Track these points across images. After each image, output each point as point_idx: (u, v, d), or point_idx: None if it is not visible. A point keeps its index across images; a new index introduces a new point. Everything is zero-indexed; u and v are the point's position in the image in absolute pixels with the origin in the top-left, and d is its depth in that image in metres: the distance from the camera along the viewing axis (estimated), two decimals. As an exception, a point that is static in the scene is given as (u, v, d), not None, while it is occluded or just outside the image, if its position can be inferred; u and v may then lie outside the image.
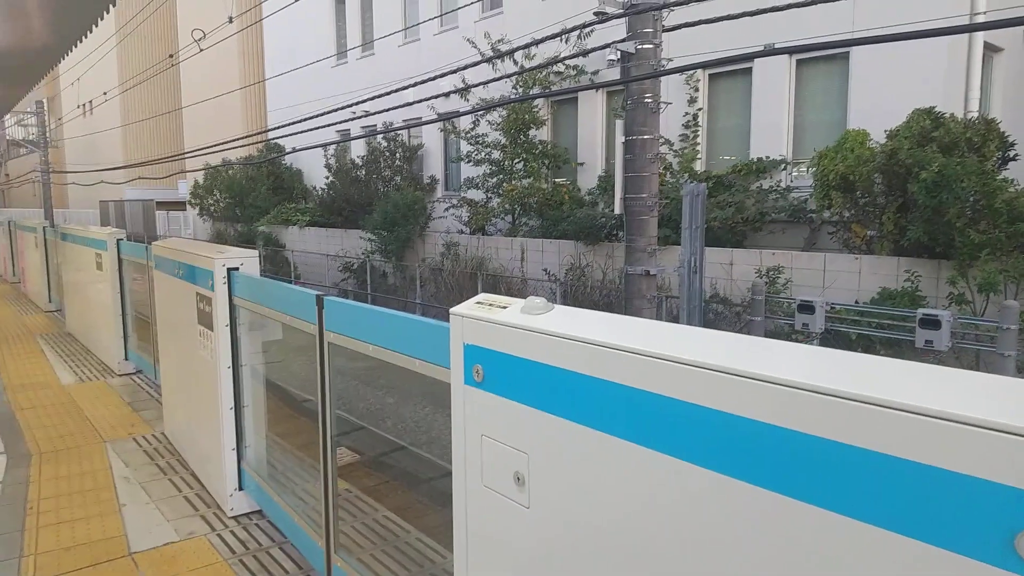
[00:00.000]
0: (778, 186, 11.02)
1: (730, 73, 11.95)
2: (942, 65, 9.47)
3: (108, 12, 6.14)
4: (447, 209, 16.70)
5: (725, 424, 1.25)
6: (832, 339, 8.41)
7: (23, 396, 5.98)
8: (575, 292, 12.47)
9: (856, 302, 8.94)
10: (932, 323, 7.37)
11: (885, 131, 8.94)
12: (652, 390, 1.38)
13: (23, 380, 6.53)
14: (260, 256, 4.32)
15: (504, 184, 14.75)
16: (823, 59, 10.80)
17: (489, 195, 15.37)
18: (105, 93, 24.33)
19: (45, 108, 21.68)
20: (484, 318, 1.81)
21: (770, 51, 6.30)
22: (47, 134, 21.63)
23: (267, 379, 3.97)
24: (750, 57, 9.74)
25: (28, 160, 35.04)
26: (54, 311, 10.44)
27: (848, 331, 8.47)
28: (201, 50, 13.79)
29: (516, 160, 14.64)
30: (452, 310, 1.92)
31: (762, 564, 1.22)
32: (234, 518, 3.70)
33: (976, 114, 9.37)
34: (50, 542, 3.43)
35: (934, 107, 8.66)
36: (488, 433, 1.81)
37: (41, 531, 3.55)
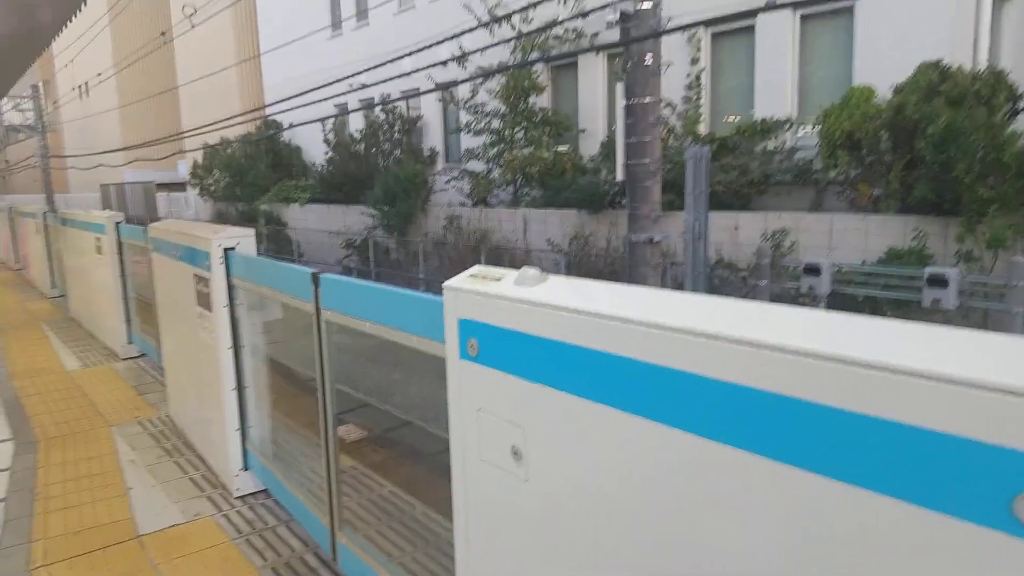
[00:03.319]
0: (783, 147, 10.85)
1: (733, 31, 11.71)
2: (949, 15, 9.23)
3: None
4: (448, 181, 16.57)
5: (727, 394, 1.22)
6: (838, 301, 8.34)
7: (29, 382, 5.99)
8: (579, 262, 12.40)
9: (863, 262, 8.84)
10: (939, 282, 7.29)
11: (891, 86, 8.75)
12: (647, 360, 1.34)
13: (28, 366, 6.54)
14: (262, 235, 4.29)
15: (505, 154, 14.59)
16: (827, 14, 10.55)
17: (490, 166, 15.22)
18: (100, 74, 24.11)
19: (41, 91, 21.52)
20: (477, 291, 1.76)
21: (772, 6, 6.14)
22: (44, 118, 21.51)
23: (270, 358, 3.94)
24: (753, 14, 9.51)
25: (27, 145, 34.92)
26: (57, 297, 10.45)
27: (855, 292, 8.40)
28: (193, 26, 13.60)
29: (516, 129, 14.47)
30: (445, 284, 1.87)
31: (762, 533, 1.20)
32: (240, 498, 3.70)
33: (985, 65, 9.15)
34: (59, 527, 3.44)
35: (941, 60, 8.46)
36: (484, 407, 1.77)
37: (49, 516, 3.56)
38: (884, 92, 8.87)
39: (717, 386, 1.23)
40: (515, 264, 12.45)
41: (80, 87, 27.36)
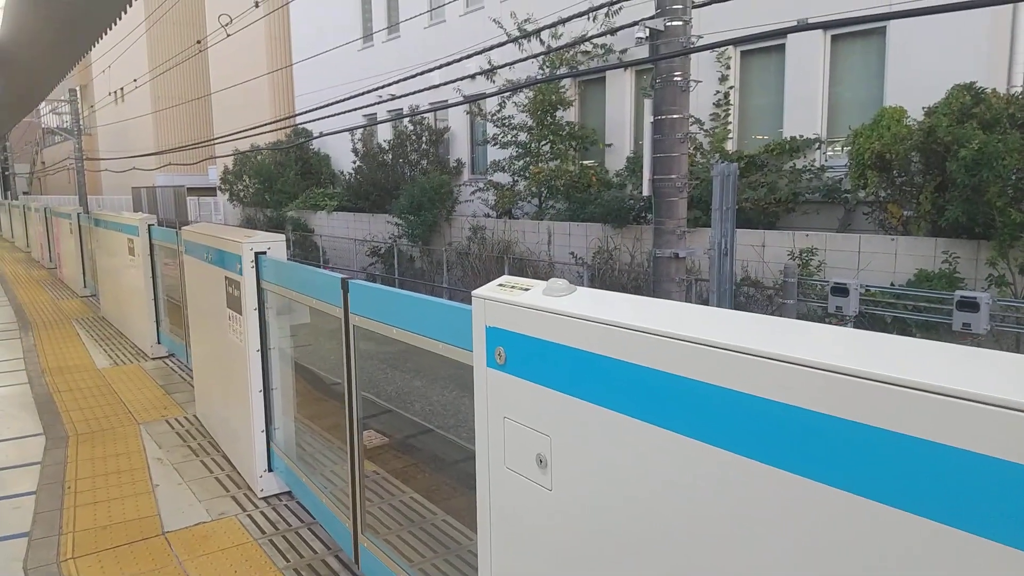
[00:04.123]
0: (812, 166, 10.79)
1: (762, 50, 11.69)
2: (984, 38, 9.15)
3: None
4: (473, 193, 16.68)
5: (751, 407, 1.23)
6: (866, 322, 8.25)
7: (60, 379, 6.12)
8: (603, 275, 12.39)
9: (892, 284, 8.74)
10: (970, 305, 7.18)
11: (923, 108, 8.68)
12: (675, 372, 1.35)
13: (60, 363, 6.68)
14: (289, 241, 4.36)
15: (531, 167, 14.66)
16: (859, 34, 10.50)
17: (516, 178, 15.30)
18: (135, 80, 24.65)
19: (78, 96, 22.04)
20: (506, 300, 1.79)
21: (804, 26, 6.12)
22: (80, 122, 22.01)
23: (296, 362, 4.00)
24: (783, 33, 9.50)
25: (63, 148, 35.76)
26: (89, 296, 10.66)
27: (883, 314, 8.30)
28: (228, 35, 13.87)
29: (543, 142, 14.54)
30: (474, 292, 1.90)
31: (788, 549, 1.20)
32: (264, 499, 3.75)
33: (1020, 89, 9.04)
34: (87, 520, 3.51)
35: (974, 82, 8.38)
36: (510, 415, 1.79)
37: (78, 510, 3.63)
38: (915, 113, 8.80)
39: (747, 401, 1.23)
40: (538, 276, 12.46)
41: (116, 92, 28.00)
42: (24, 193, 45.59)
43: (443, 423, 7.30)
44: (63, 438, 4.66)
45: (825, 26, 5.10)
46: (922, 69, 9.43)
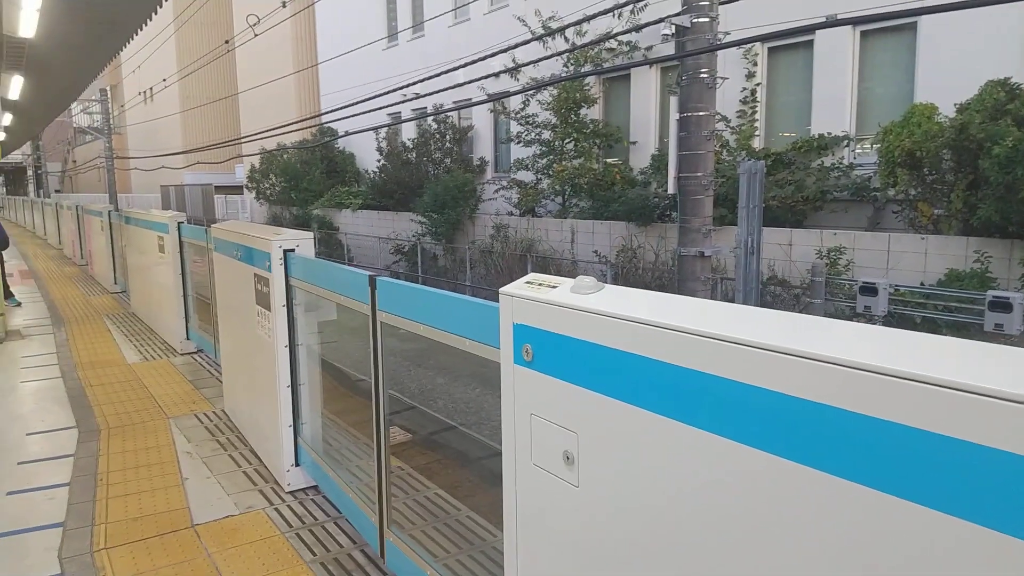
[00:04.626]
0: (840, 163, 10.65)
1: (790, 46, 11.56)
2: (1018, 33, 8.95)
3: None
4: (497, 191, 16.69)
5: (779, 405, 1.22)
6: (896, 322, 8.13)
7: (92, 373, 6.24)
8: (626, 274, 12.34)
9: (922, 284, 8.60)
10: (1003, 306, 7.05)
11: (955, 105, 8.52)
12: (704, 370, 1.35)
13: (92, 358, 6.81)
14: (315, 239, 4.41)
15: (554, 165, 14.64)
16: (889, 30, 10.33)
17: (539, 176, 15.29)
18: (164, 80, 25.03)
19: (108, 96, 22.42)
20: (533, 298, 1.79)
21: (832, 22, 6.04)
22: (111, 121, 22.38)
23: (323, 358, 4.04)
24: (811, 29, 9.37)
25: (93, 146, 36.42)
26: (119, 292, 10.85)
27: (913, 314, 8.17)
28: (256, 35, 14.03)
29: (567, 140, 14.51)
30: (501, 290, 1.91)
31: (817, 546, 1.19)
32: (291, 493, 3.80)
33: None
34: (119, 512, 3.58)
35: (1009, 78, 8.21)
36: (537, 412, 1.80)
37: (111, 502, 3.70)
38: (947, 110, 8.64)
39: (776, 398, 1.22)
40: (562, 274, 12.42)
41: (145, 92, 28.46)
42: (56, 191, 46.56)
43: (466, 420, 7.33)
44: (95, 431, 4.76)
45: (854, 22, 5.02)
46: (954, 65, 9.26)
